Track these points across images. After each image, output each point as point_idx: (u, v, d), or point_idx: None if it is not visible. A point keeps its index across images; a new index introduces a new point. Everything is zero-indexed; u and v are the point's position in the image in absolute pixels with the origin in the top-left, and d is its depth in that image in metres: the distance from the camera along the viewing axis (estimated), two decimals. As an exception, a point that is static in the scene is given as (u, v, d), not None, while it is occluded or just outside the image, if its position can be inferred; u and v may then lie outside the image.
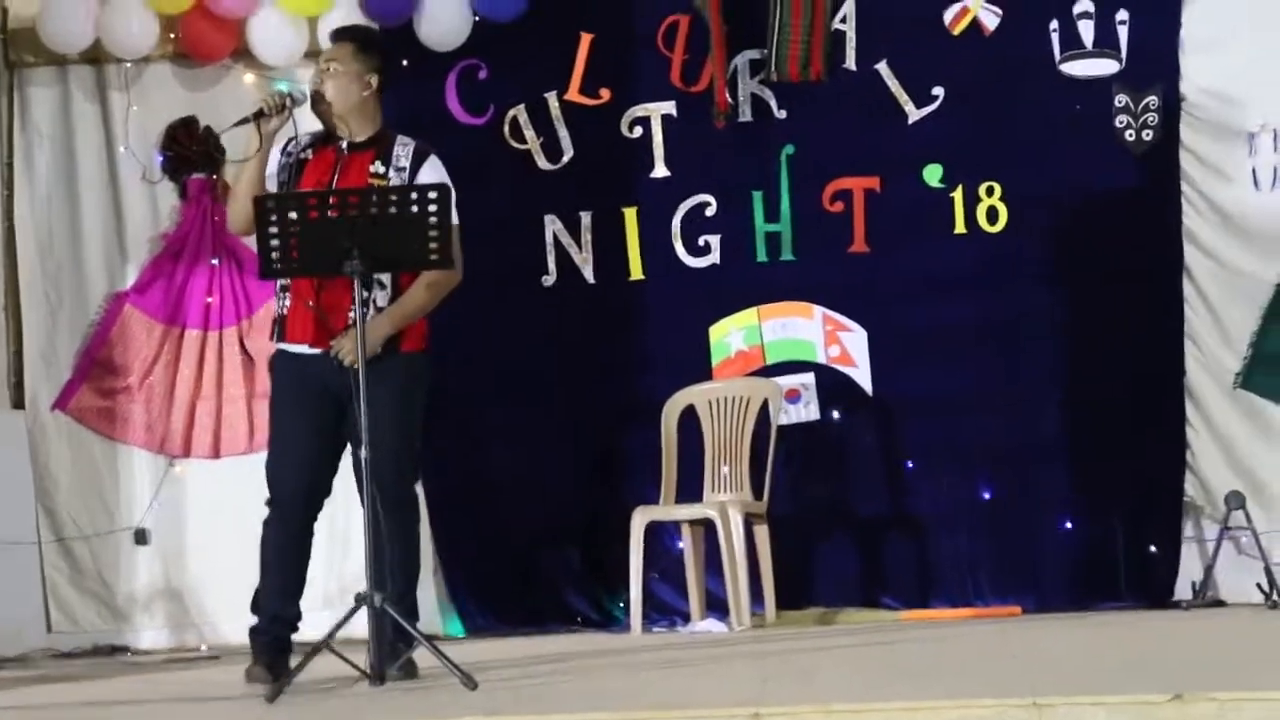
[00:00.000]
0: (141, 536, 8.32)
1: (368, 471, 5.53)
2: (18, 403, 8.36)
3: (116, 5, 8.23)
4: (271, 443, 5.90)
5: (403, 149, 5.94)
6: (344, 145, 5.91)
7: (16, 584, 8.20)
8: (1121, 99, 8.05)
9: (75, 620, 8.29)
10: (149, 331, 8.32)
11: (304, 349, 5.82)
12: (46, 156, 8.43)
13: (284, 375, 5.87)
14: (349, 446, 5.84)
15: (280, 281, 5.84)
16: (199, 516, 8.28)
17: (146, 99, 8.42)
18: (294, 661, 5.68)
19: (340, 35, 6.13)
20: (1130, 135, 8.05)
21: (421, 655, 5.74)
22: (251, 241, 5.64)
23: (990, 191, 8.18)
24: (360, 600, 5.49)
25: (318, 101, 5.91)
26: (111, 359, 8.34)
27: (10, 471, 8.27)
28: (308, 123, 6.05)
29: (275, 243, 5.50)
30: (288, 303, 5.84)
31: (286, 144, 5.93)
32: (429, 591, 8.15)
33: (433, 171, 5.92)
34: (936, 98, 8.21)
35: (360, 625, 5.55)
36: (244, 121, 5.84)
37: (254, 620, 5.91)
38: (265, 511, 5.86)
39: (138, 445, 8.33)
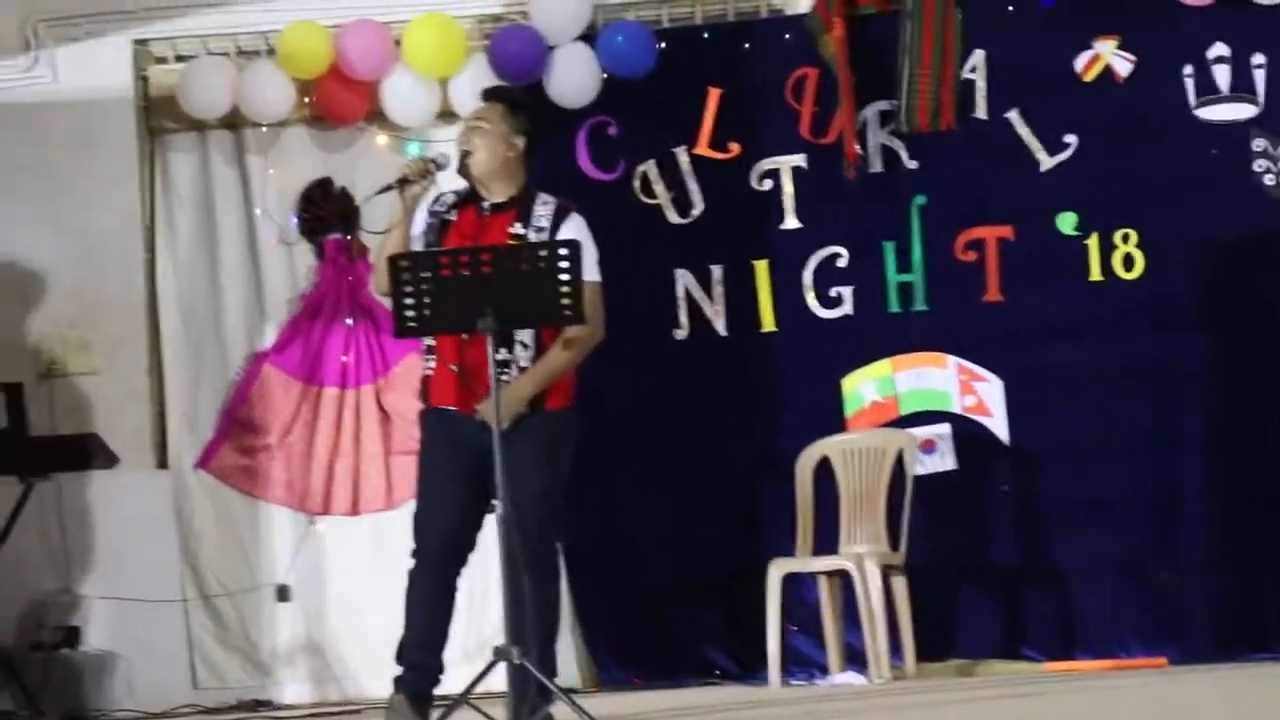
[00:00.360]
0: (283, 593, 8.41)
1: (505, 527, 5.56)
2: (162, 463, 8.50)
3: (254, 72, 8.38)
4: (419, 496, 5.96)
5: (543, 208, 5.97)
6: (485, 205, 5.95)
7: (163, 640, 8.33)
8: (1259, 143, 7.97)
9: (220, 676, 8.39)
10: (288, 390, 8.43)
11: (449, 408, 5.88)
12: (187, 220, 8.57)
13: (432, 432, 5.93)
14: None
15: (425, 342, 5.89)
16: (339, 572, 8.37)
17: (283, 162, 8.55)
18: (434, 715, 5.72)
19: (491, 95, 6.13)
20: (1269, 179, 7.96)
21: (560, 709, 5.75)
22: (388, 300, 5.70)
23: (1126, 238, 8.11)
24: (499, 654, 5.52)
25: (463, 160, 5.95)
26: (252, 418, 8.45)
27: (156, 530, 8.40)
28: (449, 181, 6.11)
29: (409, 301, 5.56)
30: (432, 364, 5.88)
31: (433, 203, 5.99)
32: (567, 645, 8.18)
33: (573, 229, 5.93)
34: (1069, 145, 8.16)
35: (500, 679, 5.57)
36: (388, 189, 5.90)
37: (398, 670, 5.95)
38: (410, 563, 5.91)
39: (278, 503, 8.44)
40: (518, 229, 5.92)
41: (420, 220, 5.93)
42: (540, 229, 5.91)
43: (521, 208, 5.96)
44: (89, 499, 8.38)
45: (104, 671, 8.27)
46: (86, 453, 8.01)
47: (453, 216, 5.94)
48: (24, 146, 8.61)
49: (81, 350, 8.55)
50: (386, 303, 5.80)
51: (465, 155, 5.92)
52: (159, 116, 8.58)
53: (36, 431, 8.23)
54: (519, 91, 6.22)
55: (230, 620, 8.40)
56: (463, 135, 5.98)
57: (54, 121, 8.61)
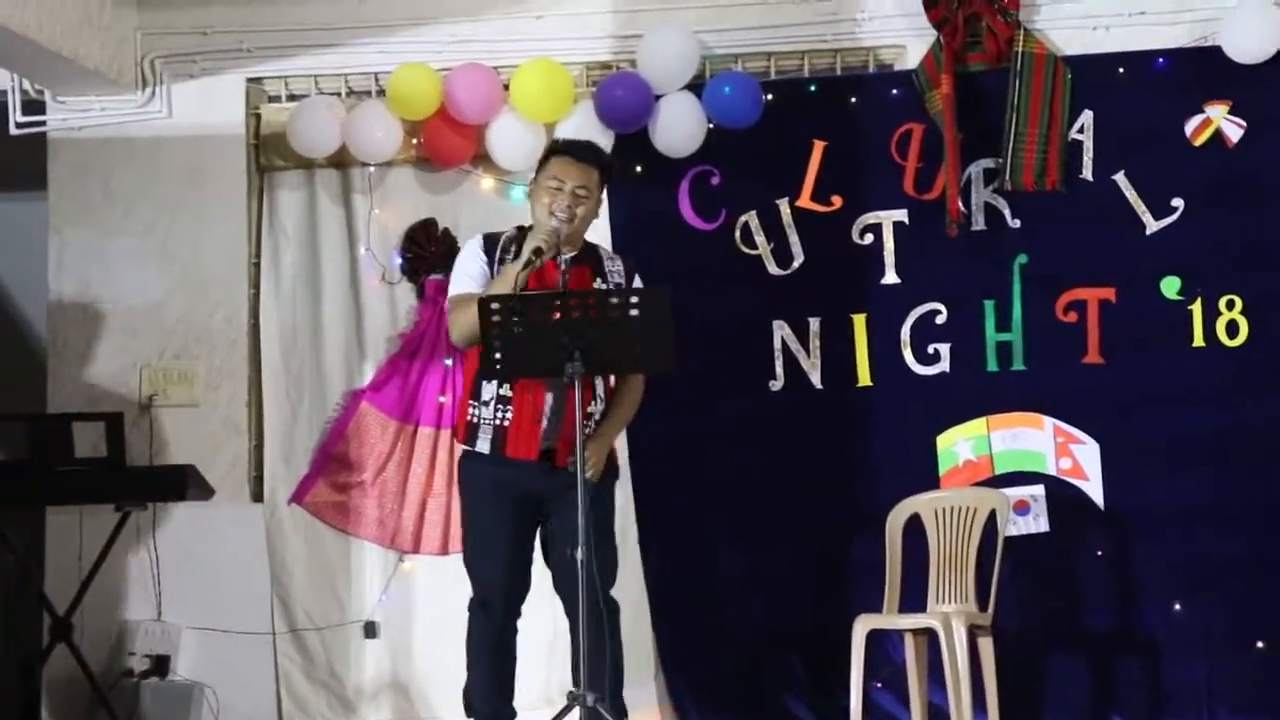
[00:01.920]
0: (371, 629, 8.46)
1: (584, 574, 5.58)
2: (257, 496, 8.58)
3: (363, 112, 8.47)
4: (473, 543, 5.96)
5: (612, 264, 6.06)
6: (563, 259, 5.98)
7: (251, 673, 8.39)
8: (1368, 212, 7.88)
9: (306, 710, 8.43)
10: (384, 429, 8.49)
11: (518, 459, 5.89)
12: (292, 256, 8.67)
13: (482, 477, 5.93)
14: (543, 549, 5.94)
15: (496, 392, 5.89)
16: (426, 611, 8.39)
17: (388, 201, 8.63)
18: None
19: (591, 159, 6.13)
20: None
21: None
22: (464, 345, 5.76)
23: (1230, 305, 8.03)
24: (573, 699, 5.53)
25: (563, 224, 5.97)
26: (347, 455, 8.51)
27: (248, 563, 8.47)
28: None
29: (498, 343, 5.59)
30: (509, 415, 5.88)
31: (487, 253, 6.00)
32: (650, 691, 8.18)
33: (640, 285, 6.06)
34: (1175, 209, 8.10)
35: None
36: (530, 265, 5.90)
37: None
38: (469, 612, 5.93)
39: (369, 539, 8.48)
40: (598, 284, 5.98)
41: (481, 267, 5.94)
42: (618, 284, 5.99)
43: (593, 262, 6.01)
44: (183, 530, 8.47)
45: (191, 702, 8.34)
46: (183, 483, 8.10)
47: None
48: (136, 179, 8.75)
49: (183, 382, 8.65)
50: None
51: (568, 221, 5.93)
52: (269, 154, 8.69)
53: (135, 461, 8.36)
54: (610, 156, 6.21)
55: (317, 655, 8.45)
56: (567, 200, 5.97)
57: (166, 156, 8.75)
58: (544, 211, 5.97)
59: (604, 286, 6.00)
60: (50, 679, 8.33)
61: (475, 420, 5.91)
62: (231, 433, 8.62)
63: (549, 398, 5.84)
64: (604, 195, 6.09)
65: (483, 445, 5.89)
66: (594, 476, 5.78)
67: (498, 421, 5.89)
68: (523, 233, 6.05)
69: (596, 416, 5.91)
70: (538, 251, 5.87)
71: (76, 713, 8.25)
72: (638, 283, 6.05)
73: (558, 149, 6.12)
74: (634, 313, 5.62)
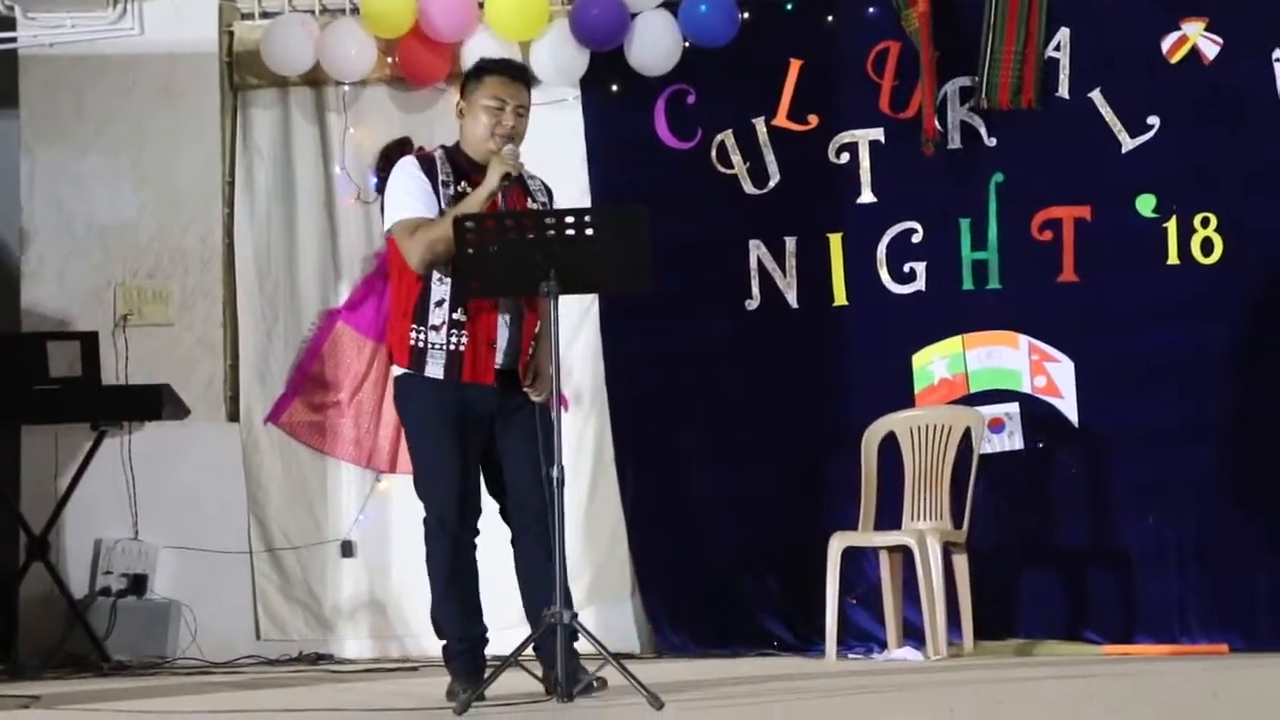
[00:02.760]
0: (348, 549, 8.49)
1: (551, 491, 5.60)
2: (233, 416, 8.58)
3: (336, 30, 8.42)
4: (425, 464, 5.94)
5: (534, 183, 6.07)
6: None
7: (229, 592, 8.42)
8: (1347, 129, 7.88)
9: (283, 628, 8.46)
10: (359, 348, 8.48)
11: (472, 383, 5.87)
12: (266, 175, 8.64)
13: (429, 399, 5.89)
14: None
15: (448, 316, 5.85)
16: (403, 531, 8.35)
17: (362, 120, 8.60)
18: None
19: (523, 77, 6.09)
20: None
21: (612, 673, 5.78)
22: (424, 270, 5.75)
23: (1205, 223, 8.03)
24: (548, 616, 5.56)
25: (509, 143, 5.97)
26: (323, 374, 8.51)
27: (224, 482, 8.49)
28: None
29: (474, 262, 5.57)
30: (464, 340, 5.85)
31: (425, 172, 5.95)
32: (626, 610, 8.22)
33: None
34: (1152, 127, 8.08)
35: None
36: (499, 190, 5.87)
37: (442, 642, 6.00)
38: (425, 532, 5.95)
39: (346, 459, 8.50)
40: (530, 204, 6.00)
41: (424, 188, 5.90)
42: (542, 202, 6.04)
43: (521, 182, 6.00)
44: (159, 449, 8.46)
45: (169, 620, 8.38)
46: (158, 403, 8.11)
47: (466, 189, 5.93)
48: (108, 98, 8.71)
49: (157, 301, 8.63)
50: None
51: (510, 138, 5.91)
52: (242, 72, 8.64)
53: (110, 381, 8.35)
54: (534, 74, 6.19)
55: (294, 574, 8.48)
56: (511, 119, 5.94)
57: (138, 74, 8.70)
58: (485, 130, 5.93)
59: (533, 205, 5.99)
60: (27, 598, 8.35)
61: (420, 344, 5.84)
62: (206, 352, 8.61)
63: (503, 319, 5.82)
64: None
65: (434, 370, 5.84)
66: (546, 397, 5.80)
67: (451, 346, 5.83)
68: (450, 152, 6.02)
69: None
70: (506, 177, 5.85)
71: (54, 631, 8.26)
72: (557, 200, 6.10)
73: (490, 68, 6.06)
74: (610, 229, 5.61)
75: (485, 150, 5.93)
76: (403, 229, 5.87)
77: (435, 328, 5.84)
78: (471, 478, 5.90)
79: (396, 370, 6.01)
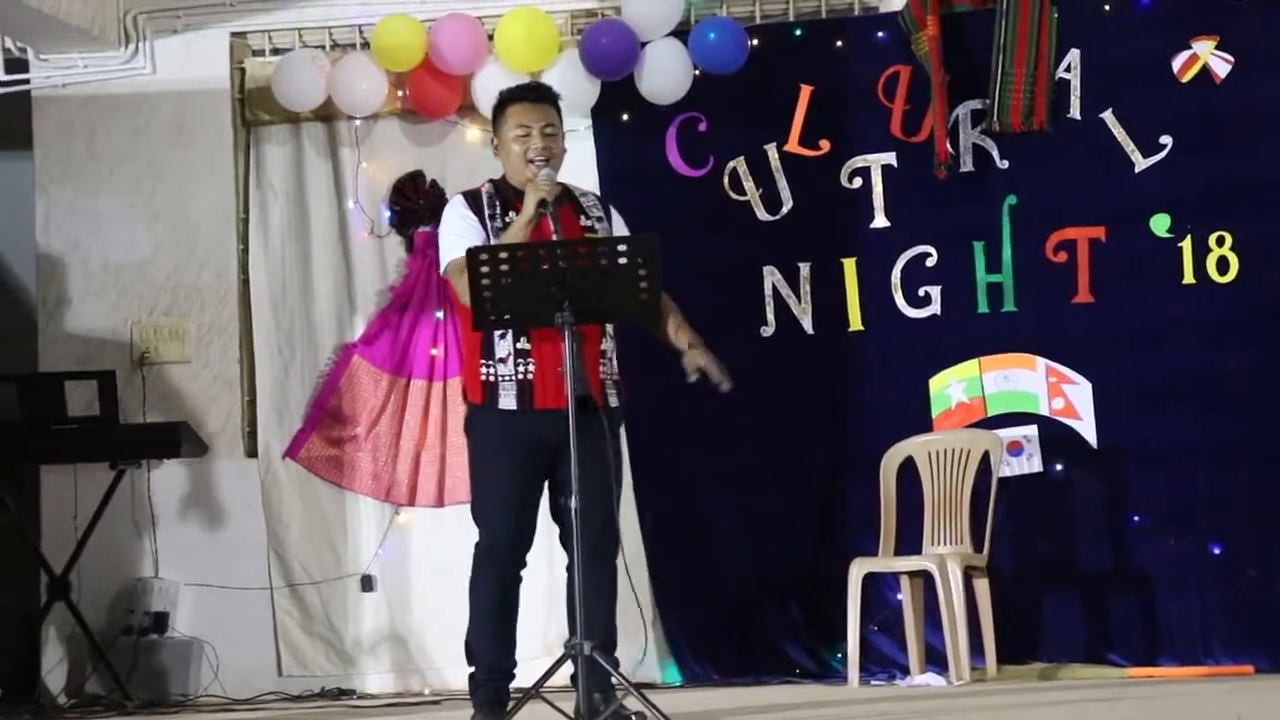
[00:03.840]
0: (368, 583, 8.48)
1: (578, 521, 5.57)
2: (251, 452, 8.59)
3: (347, 65, 8.45)
4: (484, 494, 5.95)
5: (586, 200, 6.05)
6: (548, 203, 5.95)
7: (250, 628, 8.41)
8: (1357, 145, 7.86)
9: (305, 664, 8.45)
10: (376, 382, 8.48)
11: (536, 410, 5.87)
12: (280, 211, 8.66)
13: (499, 431, 5.89)
14: (551, 497, 5.94)
15: (513, 347, 5.85)
16: (423, 564, 8.41)
17: (375, 154, 8.62)
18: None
19: (548, 98, 6.06)
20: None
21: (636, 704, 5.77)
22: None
23: (1221, 241, 8.01)
24: (569, 649, 5.54)
25: (545, 165, 5.95)
26: (340, 409, 8.52)
27: (244, 518, 8.49)
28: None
29: (488, 295, 5.57)
30: (532, 368, 5.85)
31: (470, 207, 5.96)
32: (649, 641, 8.20)
33: (620, 221, 6.09)
34: (1164, 146, 8.08)
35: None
36: (537, 218, 5.85)
37: (471, 669, 5.98)
38: (475, 563, 5.93)
39: (365, 493, 8.50)
40: (584, 221, 5.98)
41: (472, 226, 5.91)
42: (599, 218, 6.01)
43: (572, 202, 6.00)
44: (178, 487, 8.48)
45: (191, 657, 8.38)
46: (176, 440, 8.12)
47: (512, 218, 5.92)
48: (121, 137, 8.73)
49: (174, 339, 8.65)
50: None
51: (546, 160, 5.90)
52: (254, 108, 8.67)
53: (128, 419, 8.36)
54: (555, 91, 6.17)
55: (315, 609, 8.47)
56: (540, 142, 5.93)
57: (151, 113, 8.73)
58: (519, 160, 5.92)
59: (588, 224, 5.98)
60: (50, 638, 8.35)
61: (492, 379, 5.86)
62: (224, 389, 8.62)
63: (567, 343, 5.80)
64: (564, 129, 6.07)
65: (507, 402, 5.82)
66: (716, 372, 5.99)
67: (520, 376, 5.84)
68: (498, 186, 6.01)
69: (610, 354, 5.93)
70: (543, 203, 5.83)
71: (77, 671, 8.27)
72: (616, 217, 6.04)
73: (510, 98, 6.05)
74: (623, 260, 5.60)
75: (525, 180, 5.93)
76: (454, 269, 5.86)
77: (502, 360, 5.85)
78: (529, 511, 5.89)
79: (465, 405, 6.04)
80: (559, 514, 5.89)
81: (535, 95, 6.07)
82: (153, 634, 8.37)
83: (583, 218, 6.01)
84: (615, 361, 6.00)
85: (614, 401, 5.98)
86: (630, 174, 8.38)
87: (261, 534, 8.50)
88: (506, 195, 5.97)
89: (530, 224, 5.81)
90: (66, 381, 8.21)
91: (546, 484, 5.95)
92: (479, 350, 5.90)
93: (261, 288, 8.63)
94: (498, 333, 5.85)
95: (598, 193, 6.27)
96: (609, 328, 5.95)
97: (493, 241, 5.85)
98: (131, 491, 8.42)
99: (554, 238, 5.87)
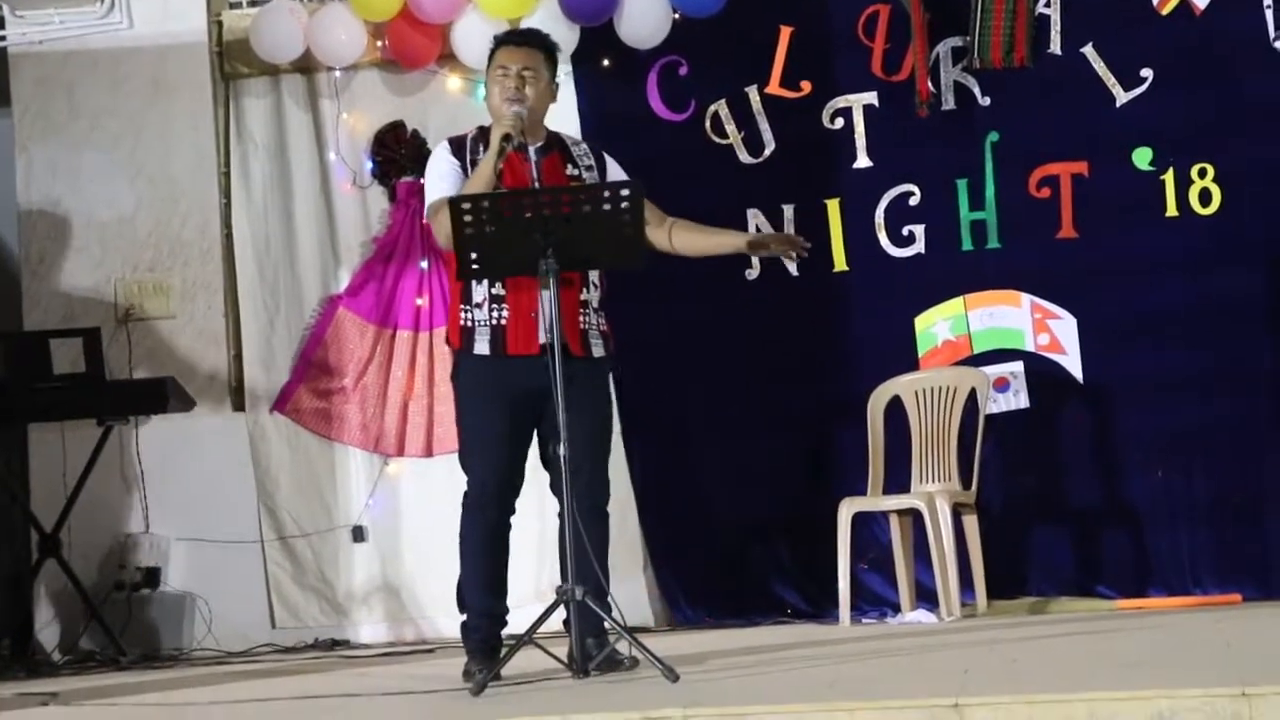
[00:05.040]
0: (359, 534, 8.50)
1: (568, 470, 5.59)
2: (238, 405, 8.59)
3: (325, 15, 8.41)
4: (470, 441, 5.96)
5: (579, 149, 6.05)
6: (530, 150, 5.96)
7: (241, 581, 8.43)
8: (1340, 74, 7.85)
9: (298, 616, 8.48)
10: (362, 333, 8.49)
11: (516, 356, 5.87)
12: (261, 165, 8.64)
13: (481, 378, 5.90)
14: (540, 446, 5.96)
15: (488, 292, 5.86)
16: (413, 514, 8.43)
17: (355, 105, 8.61)
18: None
19: (532, 42, 6.07)
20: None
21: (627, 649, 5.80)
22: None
23: (1203, 173, 8.01)
24: (561, 595, 5.57)
25: (515, 107, 5.93)
26: (326, 361, 8.52)
27: (234, 472, 8.50)
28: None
29: (472, 243, 5.57)
30: (505, 313, 5.86)
31: (454, 150, 5.97)
32: (640, 584, 8.23)
33: (616, 168, 6.08)
34: (1145, 79, 8.07)
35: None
36: (501, 153, 5.82)
37: (463, 617, 6.01)
38: (464, 511, 5.95)
39: (353, 445, 8.51)
40: (571, 170, 5.97)
41: (453, 169, 5.92)
42: (589, 167, 6.00)
43: (561, 151, 6.00)
44: (167, 442, 8.48)
45: (184, 612, 8.40)
46: (163, 396, 8.12)
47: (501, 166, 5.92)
48: (100, 93, 8.71)
49: (158, 295, 8.64)
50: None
51: (519, 100, 5.90)
52: (232, 61, 8.65)
53: (114, 376, 8.36)
54: (552, 40, 6.16)
55: (307, 561, 8.50)
56: (514, 82, 5.93)
57: (129, 68, 8.70)
58: (498, 101, 5.95)
59: (575, 172, 5.99)
60: (41, 595, 8.36)
61: (469, 324, 5.87)
62: (210, 343, 8.62)
63: (544, 290, 5.80)
64: (556, 79, 6.05)
65: (481, 347, 5.85)
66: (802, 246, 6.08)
67: (494, 321, 5.85)
68: (485, 132, 6.02)
69: (593, 304, 5.92)
70: (506, 138, 5.84)
71: (71, 627, 8.29)
72: (611, 164, 6.04)
73: (498, 41, 6.11)
74: (606, 206, 5.61)
75: (507, 114, 5.93)
76: (431, 212, 5.90)
77: (478, 305, 5.86)
78: (516, 457, 5.90)
79: (449, 351, 6.06)
80: (548, 462, 5.92)
81: (520, 39, 6.12)
82: (145, 589, 8.39)
83: (570, 166, 6.00)
84: (599, 312, 5.99)
85: (598, 352, 5.97)
86: (612, 120, 8.36)
87: (251, 487, 8.51)
88: (490, 139, 5.97)
89: (498, 159, 5.81)
90: (51, 339, 8.20)
91: (535, 432, 5.96)
92: (460, 296, 5.92)
93: (245, 241, 8.62)
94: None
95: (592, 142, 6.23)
96: (592, 277, 5.94)
97: None
98: (120, 448, 8.43)
99: (535, 185, 5.89)
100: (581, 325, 5.93)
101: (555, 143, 6.02)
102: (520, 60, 5.99)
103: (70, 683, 7.03)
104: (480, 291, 5.86)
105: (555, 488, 5.82)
